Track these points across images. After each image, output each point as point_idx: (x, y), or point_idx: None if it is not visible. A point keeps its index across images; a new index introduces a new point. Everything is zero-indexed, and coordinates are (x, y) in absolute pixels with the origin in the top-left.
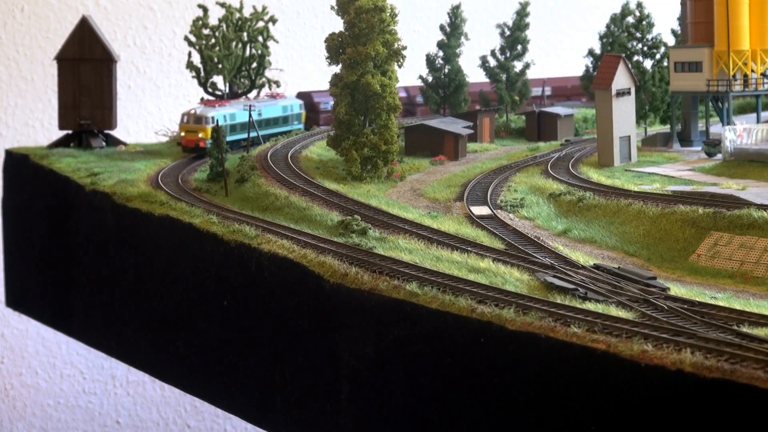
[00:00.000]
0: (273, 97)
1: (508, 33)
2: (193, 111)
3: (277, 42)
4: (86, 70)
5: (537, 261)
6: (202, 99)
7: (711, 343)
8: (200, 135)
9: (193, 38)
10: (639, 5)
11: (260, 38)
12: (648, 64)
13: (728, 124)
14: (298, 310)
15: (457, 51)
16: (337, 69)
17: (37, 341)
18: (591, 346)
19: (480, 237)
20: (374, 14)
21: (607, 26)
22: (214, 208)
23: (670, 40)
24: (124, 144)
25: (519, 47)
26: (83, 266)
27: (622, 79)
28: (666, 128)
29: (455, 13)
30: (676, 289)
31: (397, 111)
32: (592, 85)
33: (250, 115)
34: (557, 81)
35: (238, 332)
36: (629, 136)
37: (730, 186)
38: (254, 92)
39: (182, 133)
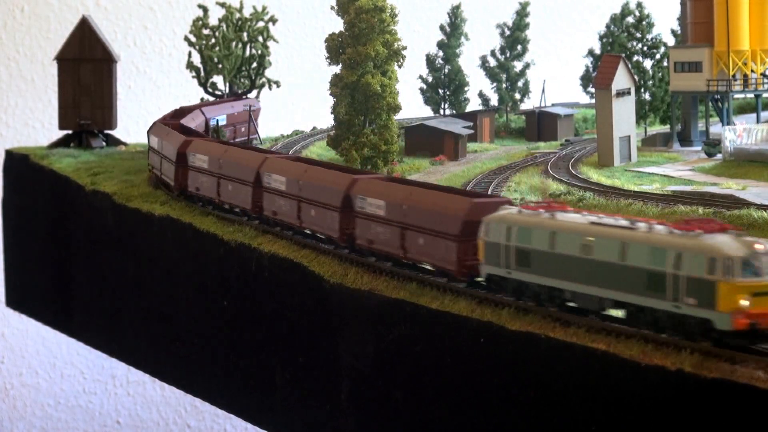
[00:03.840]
0: None
1: (508, 33)
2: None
3: (277, 42)
4: (86, 70)
5: None
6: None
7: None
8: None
9: (193, 38)
10: (639, 5)
11: (260, 38)
12: (648, 64)
13: (728, 124)
14: (298, 310)
15: (457, 51)
16: (337, 69)
17: (37, 341)
18: (591, 346)
19: None
20: (374, 14)
21: (607, 26)
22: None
23: (670, 40)
24: (124, 144)
25: (519, 47)
26: (83, 266)
27: (622, 79)
28: (666, 128)
29: (455, 13)
30: None
31: (397, 111)
32: (592, 85)
33: (250, 115)
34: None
35: (238, 332)
36: (629, 136)
37: (730, 186)
38: None
39: (743, 301)
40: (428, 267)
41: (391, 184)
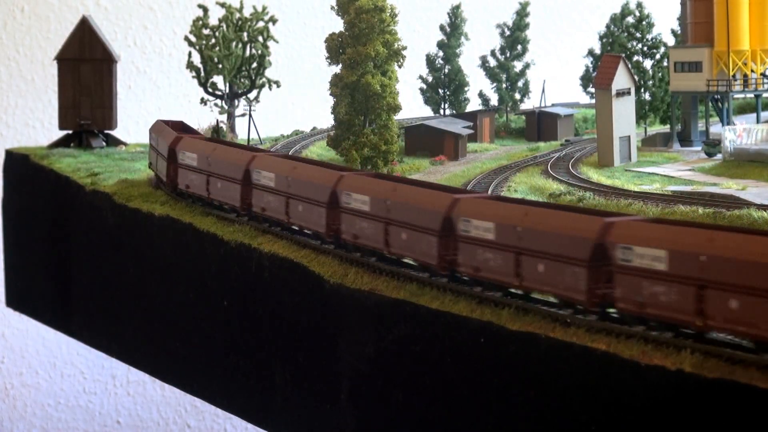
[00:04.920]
0: None
1: (508, 33)
2: None
3: (277, 42)
4: (86, 70)
5: None
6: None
7: (711, 343)
8: None
9: (193, 38)
10: (639, 5)
11: (260, 38)
12: (648, 64)
13: (728, 124)
14: (298, 310)
15: (457, 51)
16: (337, 69)
17: (37, 341)
18: (591, 346)
19: None
20: (374, 14)
21: (607, 26)
22: (215, 209)
23: (670, 40)
24: (124, 144)
25: (519, 47)
26: (83, 266)
27: (622, 79)
28: (666, 128)
29: (455, 13)
30: None
31: (397, 111)
32: (592, 85)
33: (250, 116)
34: None
35: (238, 332)
36: (629, 136)
37: (730, 186)
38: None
39: None
40: (717, 335)
41: (663, 227)
